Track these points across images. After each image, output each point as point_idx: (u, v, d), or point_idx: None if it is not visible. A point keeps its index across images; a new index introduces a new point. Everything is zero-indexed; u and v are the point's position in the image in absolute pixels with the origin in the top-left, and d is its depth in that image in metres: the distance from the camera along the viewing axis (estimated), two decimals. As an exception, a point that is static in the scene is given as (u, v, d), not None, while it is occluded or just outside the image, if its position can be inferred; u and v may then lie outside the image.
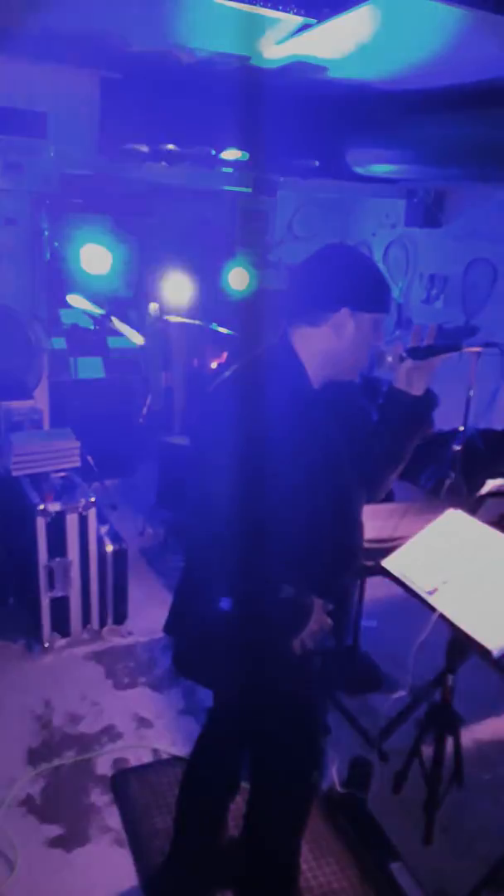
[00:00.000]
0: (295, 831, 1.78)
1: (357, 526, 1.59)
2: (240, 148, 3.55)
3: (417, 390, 1.49)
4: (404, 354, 1.48)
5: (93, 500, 3.00)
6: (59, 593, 3.00)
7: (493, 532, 1.90)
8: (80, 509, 2.95)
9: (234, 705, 1.65)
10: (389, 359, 1.48)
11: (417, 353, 1.48)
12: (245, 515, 1.38)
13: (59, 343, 4.77)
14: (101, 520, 3.19)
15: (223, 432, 1.43)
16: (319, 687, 1.63)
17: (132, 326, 4.28)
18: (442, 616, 1.74)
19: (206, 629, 1.52)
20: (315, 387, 1.48)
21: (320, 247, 1.51)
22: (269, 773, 1.68)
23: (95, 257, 4.36)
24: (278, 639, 1.46)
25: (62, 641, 3.06)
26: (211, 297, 5.05)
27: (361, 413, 1.58)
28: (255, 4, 2.17)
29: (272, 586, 1.42)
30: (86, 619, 3.11)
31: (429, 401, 1.51)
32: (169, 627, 1.66)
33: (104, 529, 3.18)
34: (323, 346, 1.45)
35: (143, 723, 2.64)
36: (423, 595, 1.80)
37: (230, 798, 1.91)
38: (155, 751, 2.50)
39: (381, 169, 3.73)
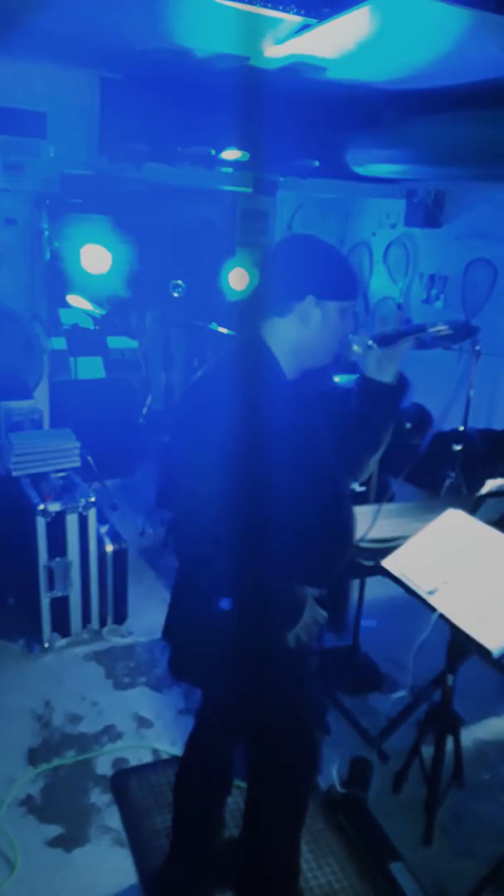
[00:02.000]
0: (294, 830, 1.78)
1: (347, 511, 1.58)
2: (240, 148, 3.55)
3: (388, 377, 1.49)
4: (371, 342, 1.47)
5: (93, 500, 3.00)
6: (59, 593, 3.00)
7: (493, 532, 1.89)
8: (80, 509, 2.95)
9: (229, 705, 1.65)
10: (356, 347, 1.46)
11: (384, 340, 1.48)
12: (233, 512, 1.37)
13: (59, 343, 4.76)
14: (101, 520, 3.19)
15: (203, 430, 1.43)
16: (316, 686, 1.62)
17: (132, 327, 4.28)
18: (442, 616, 1.74)
19: (202, 630, 1.51)
20: (289, 377, 1.49)
21: (282, 238, 1.51)
22: (267, 772, 1.68)
23: (95, 257, 4.36)
24: (275, 634, 1.46)
25: (62, 641, 3.06)
26: (211, 298, 5.05)
27: (340, 399, 1.58)
28: (254, 4, 2.17)
29: (266, 580, 1.41)
30: (86, 619, 3.11)
31: (401, 386, 1.51)
32: (167, 632, 1.65)
33: (104, 529, 3.18)
34: (291, 336, 1.46)
35: (143, 723, 2.63)
36: (423, 595, 1.80)
37: (224, 797, 1.91)
38: (155, 751, 2.50)
39: (381, 169, 3.73)
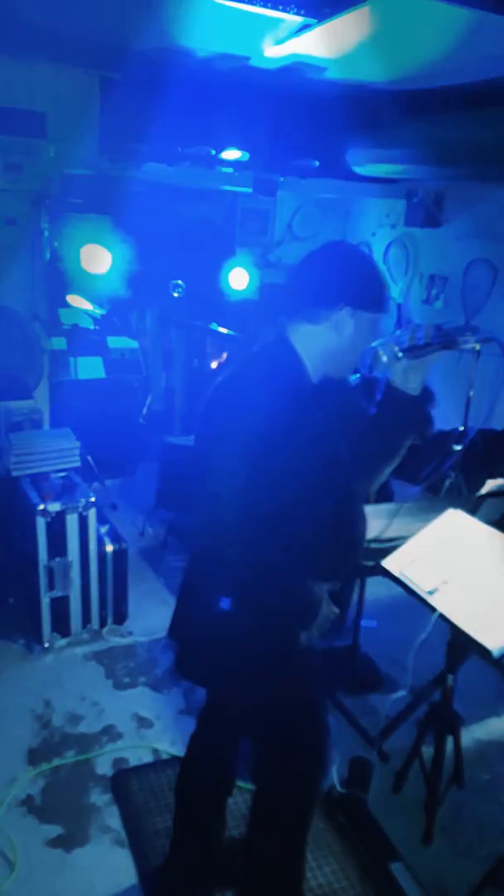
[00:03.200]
0: (300, 833, 1.77)
1: (360, 516, 1.58)
2: (240, 148, 3.55)
3: (413, 389, 1.50)
4: (400, 354, 1.48)
5: (93, 500, 3.00)
6: (59, 593, 3.00)
7: (493, 532, 1.90)
8: (80, 509, 2.95)
9: (233, 705, 1.65)
10: (385, 358, 1.46)
11: (413, 352, 1.48)
12: (253, 512, 1.37)
13: (60, 343, 4.76)
14: (101, 520, 3.19)
15: (227, 432, 1.43)
16: (321, 685, 1.62)
17: (132, 327, 4.28)
18: (442, 616, 1.74)
19: (210, 629, 1.51)
20: (314, 382, 1.49)
21: (322, 244, 1.51)
22: (276, 774, 1.67)
23: (95, 257, 4.36)
24: (289, 632, 1.46)
25: (62, 641, 3.06)
26: (211, 298, 5.05)
27: (356, 408, 1.58)
28: (254, 4, 2.17)
29: (285, 579, 1.41)
30: (86, 619, 3.11)
31: (425, 399, 1.51)
32: (173, 631, 1.65)
33: (104, 529, 3.18)
34: (322, 344, 1.46)
35: (143, 723, 2.63)
36: (423, 595, 1.80)
37: (225, 797, 1.91)
38: (155, 751, 2.50)
39: (381, 169, 3.73)
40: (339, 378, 1.54)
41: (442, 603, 1.76)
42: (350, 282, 1.44)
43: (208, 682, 1.71)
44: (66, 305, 4.69)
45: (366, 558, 2.08)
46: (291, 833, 1.74)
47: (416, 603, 1.84)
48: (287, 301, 1.50)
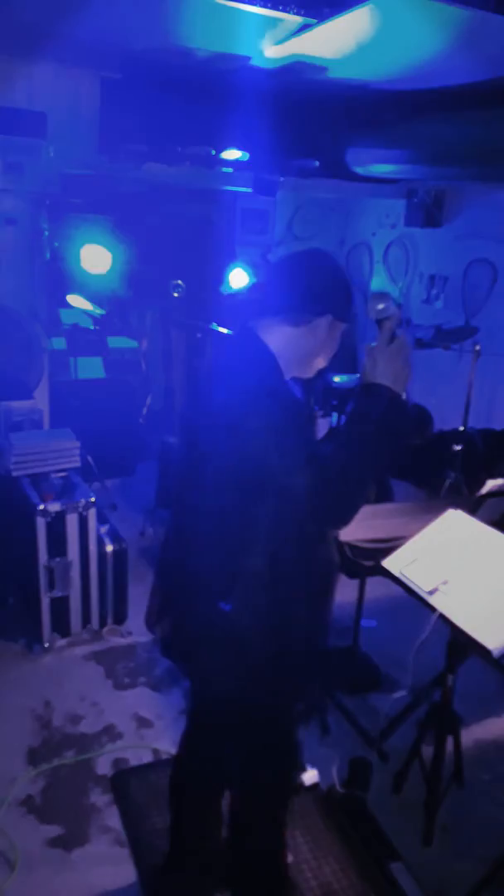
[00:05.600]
0: (275, 826, 1.79)
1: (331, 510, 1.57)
2: (239, 148, 3.55)
3: (384, 376, 1.41)
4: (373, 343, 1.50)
5: (93, 500, 3.00)
6: (59, 593, 3.00)
7: (493, 532, 1.90)
8: (80, 509, 2.95)
9: (221, 701, 1.65)
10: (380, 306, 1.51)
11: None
12: (235, 510, 1.39)
13: (59, 343, 4.76)
14: (101, 520, 3.19)
15: (209, 431, 1.45)
16: (297, 686, 1.62)
17: (132, 327, 4.28)
18: (442, 616, 1.74)
19: (207, 629, 1.51)
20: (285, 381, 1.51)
21: (305, 251, 1.55)
22: (249, 768, 1.69)
23: (95, 257, 4.36)
24: (282, 627, 1.46)
25: (62, 641, 3.06)
26: (211, 298, 5.05)
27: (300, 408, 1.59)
28: (254, 4, 2.17)
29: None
30: (86, 619, 3.11)
31: (400, 401, 1.41)
32: (154, 622, 1.67)
33: (104, 529, 3.17)
34: (296, 345, 1.49)
35: (143, 723, 2.63)
36: (423, 595, 1.80)
37: (219, 795, 1.91)
38: (155, 751, 2.50)
39: (380, 169, 3.73)
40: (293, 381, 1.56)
41: (442, 603, 1.76)
42: (337, 293, 1.50)
43: (191, 667, 1.70)
44: (66, 305, 4.68)
45: (366, 558, 2.09)
46: (266, 825, 1.77)
47: (416, 603, 1.84)
48: (266, 300, 1.52)
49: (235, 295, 4.39)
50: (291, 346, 1.49)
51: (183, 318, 4.92)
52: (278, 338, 1.48)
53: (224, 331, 4.15)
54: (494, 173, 3.29)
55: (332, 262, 1.56)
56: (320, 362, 1.56)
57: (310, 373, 1.57)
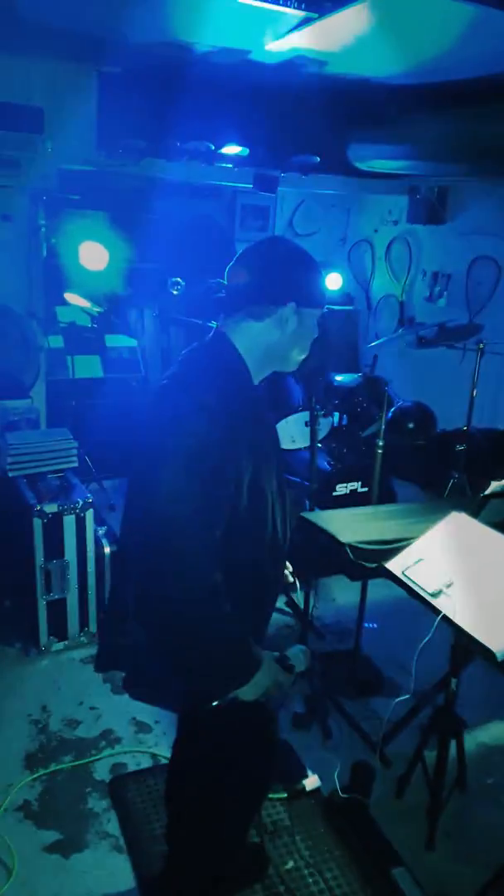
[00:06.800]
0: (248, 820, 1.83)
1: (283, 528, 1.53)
2: (240, 143, 3.52)
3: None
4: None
5: (90, 500, 2.97)
6: (56, 596, 2.97)
7: (496, 534, 1.87)
8: (77, 510, 2.92)
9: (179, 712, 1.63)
10: None
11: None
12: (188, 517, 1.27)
13: (57, 341, 4.73)
14: (99, 521, 3.16)
15: (170, 436, 1.32)
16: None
17: (131, 325, 4.24)
18: (445, 619, 1.72)
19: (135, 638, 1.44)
20: (255, 383, 1.47)
21: (260, 241, 1.50)
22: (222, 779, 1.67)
23: (93, 254, 4.32)
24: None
25: (59, 645, 3.03)
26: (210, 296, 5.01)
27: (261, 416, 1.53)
28: (255, -3, 2.14)
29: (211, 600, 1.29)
30: (83, 622, 3.08)
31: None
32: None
33: (102, 531, 3.15)
34: (264, 340, 1.44)
35: (141, 727, 2.61)
36: (426, 597, 1.77)
37: None
38: (153, 755, 2.47)
39: (383, 165, 3.70)
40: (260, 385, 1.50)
41: (445, 605, 1.73)
42: (296, 278, 1.44)
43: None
44: (64, 303, 4.65)
45: (368, 560, 2.05)
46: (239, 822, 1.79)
47: (418, 605, 1.81)
48: (228, 298, 1.46)
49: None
50: (261, 342, 1.44)
51: (182, 316, 4.89)
52: (245, 336, 1.44)
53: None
54: (498, 169, 3.26)
55: (286, 246, 1.50)
56: (298, 353, 1.49)
57: (291, 366, 1.51)
